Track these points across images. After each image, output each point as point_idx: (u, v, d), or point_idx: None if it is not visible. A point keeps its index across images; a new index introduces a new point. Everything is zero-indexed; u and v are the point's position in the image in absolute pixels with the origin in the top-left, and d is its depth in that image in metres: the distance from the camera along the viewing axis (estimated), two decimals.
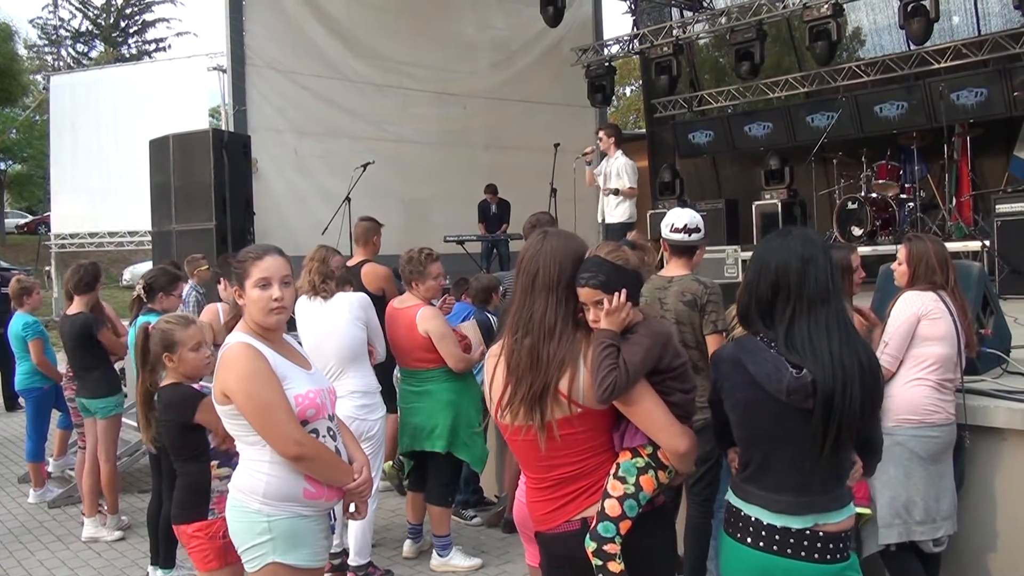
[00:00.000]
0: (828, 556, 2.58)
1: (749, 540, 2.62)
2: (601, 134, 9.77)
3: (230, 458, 3.64)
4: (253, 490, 3.01)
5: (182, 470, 3.74)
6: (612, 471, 2.55)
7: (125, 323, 6.37)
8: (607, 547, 2.48)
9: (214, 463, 3.68)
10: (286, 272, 3.11)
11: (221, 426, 3.43)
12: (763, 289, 2.64)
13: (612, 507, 2.51)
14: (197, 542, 3.59)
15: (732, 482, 2.76)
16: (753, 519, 2.62)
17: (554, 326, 2.54)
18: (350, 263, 6.58)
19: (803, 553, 2.56)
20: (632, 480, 2.53)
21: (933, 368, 4.11)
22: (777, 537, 2.58)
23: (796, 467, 2.58)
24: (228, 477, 3.57)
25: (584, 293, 2.54)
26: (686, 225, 4.45)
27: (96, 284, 6.29)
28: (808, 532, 2.57)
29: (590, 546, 2.50)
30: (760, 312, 2.65)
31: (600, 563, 2.49)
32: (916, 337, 4.14)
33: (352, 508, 3.25)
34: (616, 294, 2.51)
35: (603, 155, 9.64)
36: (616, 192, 9.35)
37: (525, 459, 2.69)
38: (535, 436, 2.55)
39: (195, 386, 3.80)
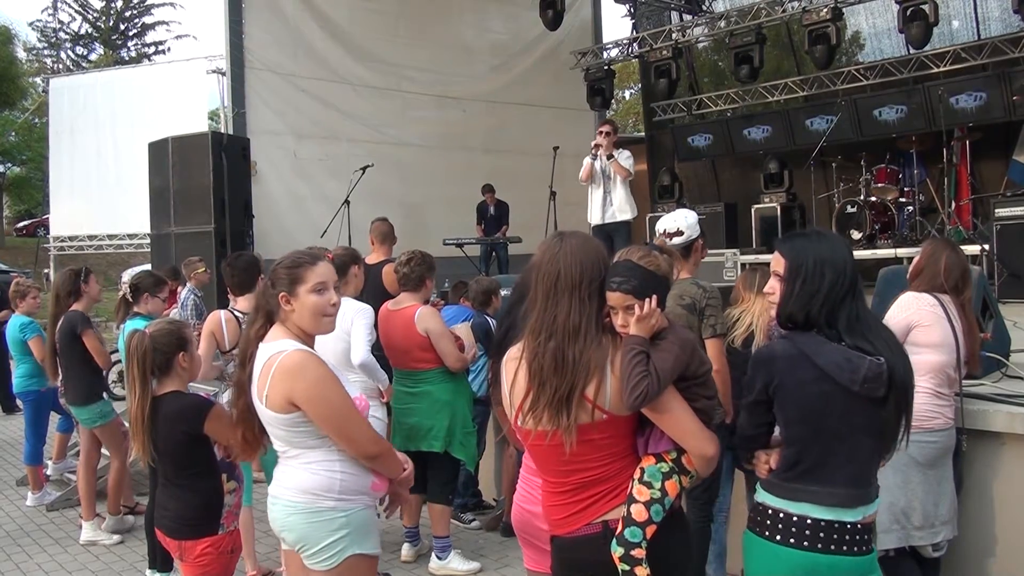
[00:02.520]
0: (865, 548, 2.66)
1: (792, 540, 2.64)
2: (608, 128, 9.55)
3: (234, 470, 3.70)
4: (327, 489, 3.01)
5: (191, 486, 3.58)
6: (637, 476, 2.55)
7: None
8: (634, 552, 2.48)
9: (223, 476, 3.63)
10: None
11: (229, 436, 3.44)
12: (839, 289, 2.65)
13: (639, 512, 2.51)
14: (207, 558, 3.54)
15: (768, 483, 2.74)
16: (795, 518, 2.64)
17: (578, 326, 2.51)
18: (369, 261, 6.64)
19: (844, 548, 2.61)
20: (658, 485, 2.53)
21: (929, 376, 4.08)
22: (822, 535, 2.61)
23: (853, 459, 2.64)
24: (234, 491, 3.66)
25: (615, 298, 2.52)
26: (665, 230, 4.46)
27: (79, 285, 6.18)
28: (859, 525, 2.63)
29: (617, 551, 2.50)
30: (828, 311, 2.65)
31: (627, 568, 2.48)
32: (910, 345, 4.12)
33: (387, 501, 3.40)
34: (647, 300, 2.50)
35: (597, 154, 9.32)
36: (629, 174, 9.16)
37: (545, 464, 2.67)
38: (558, 440, 2.52)
39: (202, 394, 3.70)
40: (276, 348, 3.00)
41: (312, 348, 3.09)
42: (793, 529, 2.64)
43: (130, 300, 5.77)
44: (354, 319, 4.99)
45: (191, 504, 3.58)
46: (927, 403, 4.05)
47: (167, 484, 3.67)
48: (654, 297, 2.51)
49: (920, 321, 4.13)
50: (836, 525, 2.62)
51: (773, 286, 2.81)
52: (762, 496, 2.75)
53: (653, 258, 2.61)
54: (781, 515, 2.67)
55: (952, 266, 4.24)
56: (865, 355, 2.58)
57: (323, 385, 2.96)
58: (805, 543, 2.62)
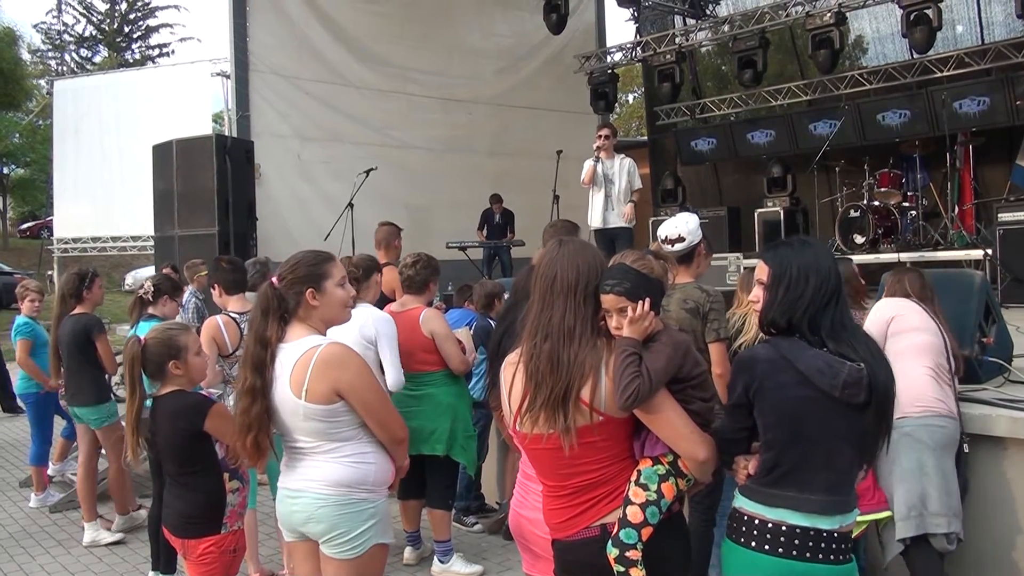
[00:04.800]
0: (842, 557, 2.63)
1: (767, 547, 2.62)
2: (607, 131, 9.53)
3: (238, 469, 3.73)
4: (360, 481, 3.13)
5: (194, 484, 3.64)
6: (633, 478, 2.56)
7: (125, 327, 6.34)
8: (629, 554, 2.49)
9: (225, 475, 3.68)
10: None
11: (231, 432, 3.48)
12: (822, 296, 2.67)
13: (634, 514, 2.51)
14: (210, 557, 3.60)
15: (746, 488, 2.73)
16: (771, 524, 2.63)
17: (573, 329, 2.54)
18: None
19: (820, 556, 2.60)
20: (654, 487, 2.54)
21: (924, 355, 4.15)
22: (796, 542, 2.60)
23: (831, 466, 2.63)
24: (238, 490, 3.71)
25: (608, 300, 2.54)
26: (667, 236, 4.46)
27: (82, 290, 6.17)
28: (836, 533, 2.61)
29: (612, 552, 2.51)
30: (810, 317, 2.66)
31: (622, 569, 2.49)
32: (894, 335, 4.23)
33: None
34: (640, 302, 2.51)
35: (599, 157, 9.32)
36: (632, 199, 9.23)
37: (544, 467, 2.68)
38: (556, 443, 2.54)
39: (203, 392, 3.74)
40: (310, 343, 3.11)
41: None
42: (768, 536, 2.62)
43: (150, 300, 5.75)
44: (379, 331, 4.93)
45: (194, 503, 3.63)
46: (930, 387, 4.11)
47: (172, 483, 3.73)
48: (647, 300, 2.53)
49: (897, 311, 4.30)
50: (812, 532, 2.60)
51: (757, 294, 2.81)
52: (740, 502, 2.74)
53: (647, 261, 2.63)
54: (757, 521, 2.65)
55: (912, 280, 4.50)
56: (846, 361, 2.59)
57: (365, 373, 3.16)
58: (780, 550, 2.60)
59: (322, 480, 3.12)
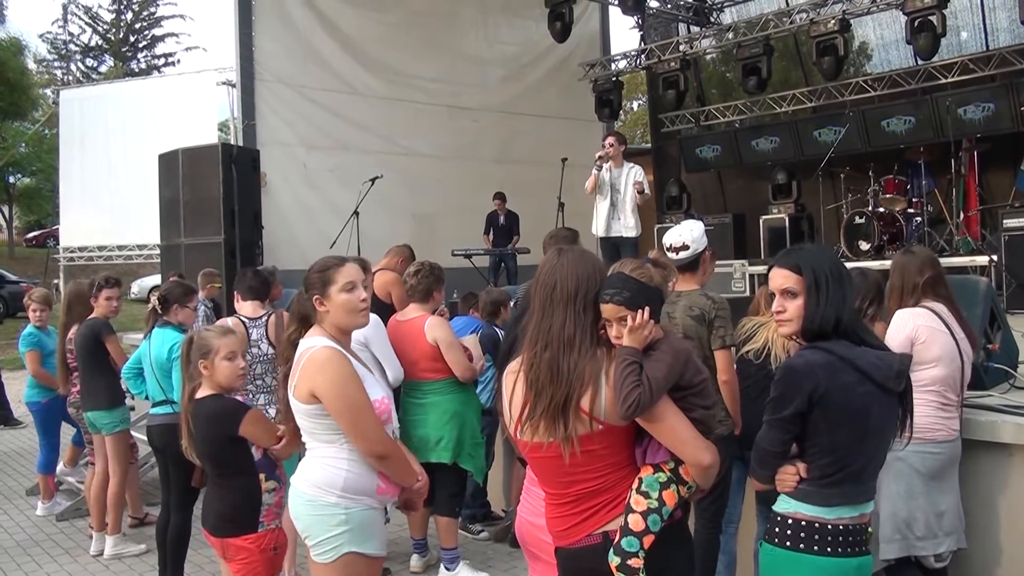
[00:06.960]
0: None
1: (828, 549, 2.69)
2: (612, 140, 9.50)
3: (274, 469, 3.84)
4: (331, 484, 3.16)
5: (231, 485, 3.75)
6: (634, 486, 2.57)
7: (132, 335, 6.38)
8: (631, 562, 2.50)
9: (262, 476, 3.77)
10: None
11: (265, 438, 3.72)
12: (852, 294, 2.81)
13: (636, 522, 2.52)
14: (247, 554, 3.68)
15: (802, 493, 2.76)
16: (830, 525, 2.70)
17: (573, 338, 2.54)
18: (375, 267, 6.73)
19: (865, 547, 2.73)
20: (655, 495, 2.54)
21: (931, 390, 4.05)
22: (852, 538, 2.70)
23: (876, 455, 2.76)
24: (275, 490, 3.80)
25: (608, 309, 2.55)
26: (672, 245, 4.46)
27: (88, 299, 6.24)
28: (867, 518, 2.74)
29: (614, 560, 2.51)
30: (852, 317, 2.78)
31: None
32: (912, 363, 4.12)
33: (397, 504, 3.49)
34: (640, 311, 2.52)
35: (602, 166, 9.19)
36: (640, 192, 9.13)
37: (545, 475, 2.69)
38: (556, 451, 2.55)
39: (239, 398, 3.85)
40: (308, 344, 3.22)
41: (347, 346, 3.29)
42: (829, 538, 2.69)
43: (159, 312, 5.79)
44: (367, 336, 4.94)
45: (230, 503, 3.74)
46: (931, 415, 4.02)
47: (210, 484, 3.86)
48: (647, 308, 2.53)
49: (918, 337, 4.08)
50: (860, 524, 2.72)
51: (784, 304, 2.81)
52: (793, 506, 2.76)
53: (645, 270, 2.64)
54: (817, 525, 2.70)
55: (924, 263, 4.27)
56: (892, 352, 2.73)
57: (343, 382, 3.12)
58: (840, 549, 2.68)
59: (305, 479, 3.23)
